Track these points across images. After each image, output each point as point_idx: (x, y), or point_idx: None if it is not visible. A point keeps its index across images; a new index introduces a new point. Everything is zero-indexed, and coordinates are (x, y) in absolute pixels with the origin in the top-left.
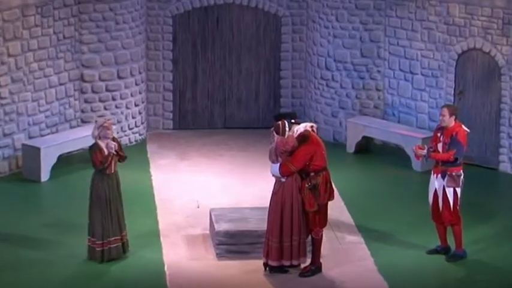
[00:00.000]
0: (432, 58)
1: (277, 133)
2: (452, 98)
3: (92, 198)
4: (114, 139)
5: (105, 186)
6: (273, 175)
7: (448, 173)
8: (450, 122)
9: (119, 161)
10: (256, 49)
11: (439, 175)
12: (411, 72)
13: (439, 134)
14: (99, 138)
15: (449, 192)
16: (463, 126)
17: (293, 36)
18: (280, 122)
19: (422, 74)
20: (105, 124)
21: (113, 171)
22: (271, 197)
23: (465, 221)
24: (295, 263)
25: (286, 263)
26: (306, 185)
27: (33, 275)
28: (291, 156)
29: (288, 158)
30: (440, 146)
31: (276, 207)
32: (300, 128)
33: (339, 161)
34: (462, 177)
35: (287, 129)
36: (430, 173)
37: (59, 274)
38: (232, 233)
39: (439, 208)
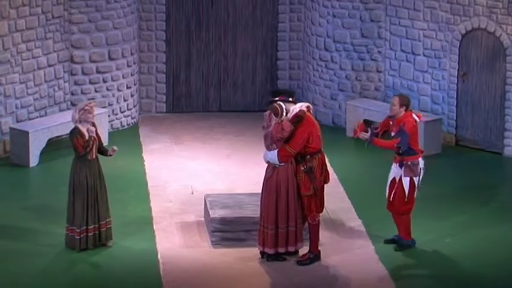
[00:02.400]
0: (435, 38)
1: (276, 115)
2: (455, 80)
3: (74, 185)
4: (93, 124)
5: (87, 172)
6: (268, 162)
7: (405, 162)
8: (399, 112)
9: (99, 152)
10: (252, 29)
11: (397, 164)
12: (413, 53)
13: (391, 123)
14: (80, 122)
15: (406, 182)
16: (413, 115)
17: (291, 15)
18: (277, 105)
19: (424, 55)
20: (87, 107)
21: (94, 157)
22: (264, 183)
23: (465, 205)
24: (291, 249)
25: (282, 249)
26: (302, 168)
27: (12, 265)
28: (289, 140)
29: (285, 143)
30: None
31: (270, 193)
32: (295, 108)
33: (338, 146)
34: (421, 165)
35: (284, 111)
36: (434, 158)
37: (41, 264)
38: (228, 220)
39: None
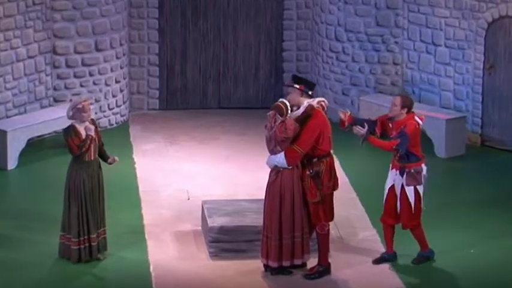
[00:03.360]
0: (458, 27)
1: (281, 115)
2: (481, 73)
3: (69, 189)
4: (92, 122)
5: (84, 175)
6: (273, 166)
7: (407, 170)
8: (400, 115)
9: (99, 155)
10: (255, 17)
11: (398, 171)
12: (434, 44)
13: (390, 125)
14: (74, 119)
15: (410, 191)
16: (416, 118)
17: (298, 2)
18: (280, 103)
19: (446, 46)
20: (79, 106)
21: (92, 158)
22: (267, 188)
23: (491, 213)
24: (297, 262)
25: (287, 263)
26: (307, 173)
27: None
28: (297, 138)
29: (292, 142)
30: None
31: (273, 199)
32: (310, 103)
33: (350, 147)
34: (424, 172)
35: (289, 110)
36: (457, 160)
37: (26, 276)
38: (227, 229)
39: (393, 208)
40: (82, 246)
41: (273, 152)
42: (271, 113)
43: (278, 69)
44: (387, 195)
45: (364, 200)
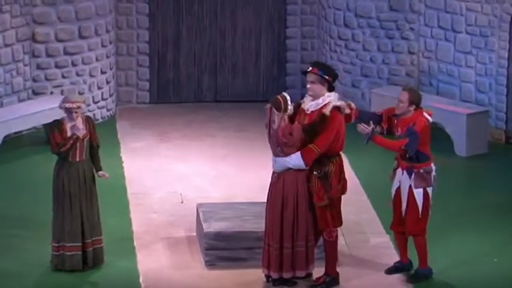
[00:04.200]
0: (480, 12)
1: (278, 110)
2: (505, 63)
3: (53, 190)
4: (87, 120)
5: (65, 177)
6: (285, 169)
7: (415, 170)
8: (408, 112)
9: (91, 147)
10: (255, 0)
11: (405, 171)
12: (453, 30)
13: (395, 121)
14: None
15: (418, 194)
16: (424, 114)
17: None
18: (280, 97)
19: (467, 33)
20: (67, 106)
21: (78, 160)
22: (269, 190)
23: None
24: (299, 274)
25: (287, 275)
26: (315, 173)
27: None
28: (315, 138)
29: (303, 142)
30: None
31: (274, 204)
32: (332, 101)
33: (360, 144)
34: (434, 172)
35: (289, 105)
36: (479, 159)
37: (8, 287)
38: (225, 235)
39: (401, 213)
40: (59, 253)
41: (277, 155)
42: (268, 106)
43: (281, 58)
44: (394, 199)
45: (375, 203)
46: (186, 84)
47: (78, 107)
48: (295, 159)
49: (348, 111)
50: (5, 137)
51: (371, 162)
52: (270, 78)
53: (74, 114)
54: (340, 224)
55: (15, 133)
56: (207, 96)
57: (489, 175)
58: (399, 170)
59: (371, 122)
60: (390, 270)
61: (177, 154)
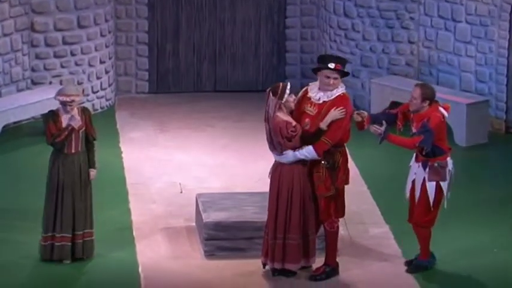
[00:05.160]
0: (480, 1)
1: (274, 94)
2: (506, 53)
3: (47, 180)
4: (83, 111)
5: (60, 168)
6: (294, 160)
7: (430, 163)
8: (421, 107)
9: (87, 141)
10: None
11: (420, 164)
12: (453, 20)
13: (411, 116)
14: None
15: (430, 187)
16: (440, 109)
17: None
18: (281, 83)
19: (467, 22)
20: (61, 99)
21: (73, 151)
22: (270, 180)
23: None
24: (288, 267)
25: (278, 265)
26: (323, 163)
27: None
28: (328, 130)
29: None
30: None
31: (271, 194)
32: (343, 92)
33: (360, 134)
34: (450, 167)
35: (286, 94)
36: (479, 148)
37: (7, 279)
38: (224, 225)
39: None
40: (47, 243)
41: (280, 154)
42: (268, 90)
43: (280, 48)
44: (410, 192)
45: (375, 193)
46: (185, 74)
47: (72, 101)
48: (309, 152)
49: (359, 119)
50: (3, 127)
51: (371, 152)
52: (270, 68)
53: (68, 107)
54: (343, 214)
55: (14, 123)
56: (207, 86)
57: (489, 165)
58: (415, 163)
59: (383, 122)
60: (409, 263)
61: (176, 144)
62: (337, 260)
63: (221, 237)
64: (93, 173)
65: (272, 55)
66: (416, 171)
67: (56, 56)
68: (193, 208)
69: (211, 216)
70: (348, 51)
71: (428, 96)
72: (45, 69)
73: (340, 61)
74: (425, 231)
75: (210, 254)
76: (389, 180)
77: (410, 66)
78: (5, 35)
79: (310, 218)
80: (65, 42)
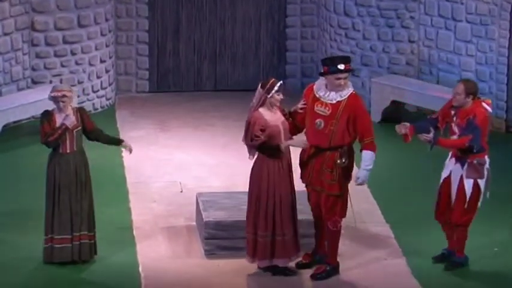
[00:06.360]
0: (481, 0)
1: (262, 87)
2: (506, 52)
3: (46, 181)
4: (79, 111)
5: (56, 168)
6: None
7: (468, 160)
8: (465, 103)
9: (88, 138)
10: None
11: (458, 161)
12: (454, 19)
13: (452, 112)
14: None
15: (468, 184)
16: (483, 104)
17: None
18: (274, 79)
19: (467, 21)
20: (52, 94)
21: (68, 151)
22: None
23: None
24: (260, 264)
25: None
26: (338, 162)
27: None
28: (364, 130)
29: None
30: (456, 129)
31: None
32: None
33: None
34: (487, 165)
35: (274, 90)
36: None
37: (6, 281)
38: (224, 225)
39: (447, 202)
40: (48, 245)
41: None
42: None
43: (281, 47)
44: (441, 188)
45: (375, 192)
46: (185, 73)
47: (64, 96)
48: (371, 159)
49: (403, 131)
50: (3, 127)
51: None
52: (270, 67)
53: (61, 103)
54: (345, 214)
55: (14, 122)
56: (207, 85)
57: (489, 164)
58: (452, 160)
59: (431, 128)
60: (437, 258)
61: (176, 143)
62: (338, 259)
63: (221, 237)
64: (124, 143)
65: (272, 54)
66: (453, 169)
67: (56, 55)
68: (193, 207)
69: (212, 215)
70: (348, 50)
71: (472, 91)
72: (46, 68)
73: (347, 60)
74: (462, 230)
75: (210, 253)
76: (389, 180)
77: (410, 66)
78: (5, 34)
79: (286, 217)
80: (65, 42)
